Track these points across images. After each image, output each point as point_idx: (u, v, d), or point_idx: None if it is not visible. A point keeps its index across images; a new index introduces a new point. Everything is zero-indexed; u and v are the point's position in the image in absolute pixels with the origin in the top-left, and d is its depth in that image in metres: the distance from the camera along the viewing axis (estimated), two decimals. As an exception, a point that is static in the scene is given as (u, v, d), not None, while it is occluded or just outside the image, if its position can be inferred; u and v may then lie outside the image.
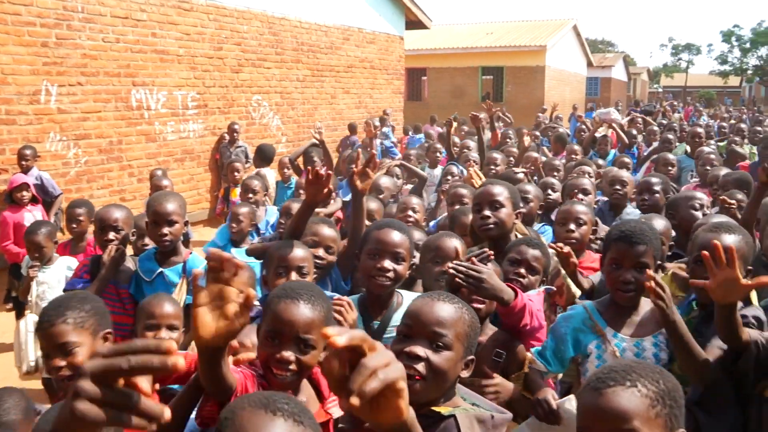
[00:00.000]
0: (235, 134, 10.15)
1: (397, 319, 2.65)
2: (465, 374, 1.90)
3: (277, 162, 8.27)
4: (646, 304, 2.59)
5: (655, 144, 9.33)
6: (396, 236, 2.74)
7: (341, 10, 13.18)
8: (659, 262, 2.78)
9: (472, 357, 1.91)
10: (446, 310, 1.88)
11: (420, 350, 1.79)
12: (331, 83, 13.22)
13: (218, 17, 10.12)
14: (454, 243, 2.93)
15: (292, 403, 1.39)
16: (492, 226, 3.20)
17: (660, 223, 3.47)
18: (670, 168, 6.48)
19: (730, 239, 2.52)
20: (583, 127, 11.56)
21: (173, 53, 9.30)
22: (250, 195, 5.81)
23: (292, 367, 1.98)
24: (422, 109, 21.35)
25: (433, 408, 1.79)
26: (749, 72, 61.30)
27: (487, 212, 3.20)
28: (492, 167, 6.34)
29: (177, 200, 3.59)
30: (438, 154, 7.81)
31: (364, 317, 2.73)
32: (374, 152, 7.64)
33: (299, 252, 2.83)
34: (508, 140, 9.15)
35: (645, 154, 8.91)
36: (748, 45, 61.12)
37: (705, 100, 50.24)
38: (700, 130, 8.37)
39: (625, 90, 47.01)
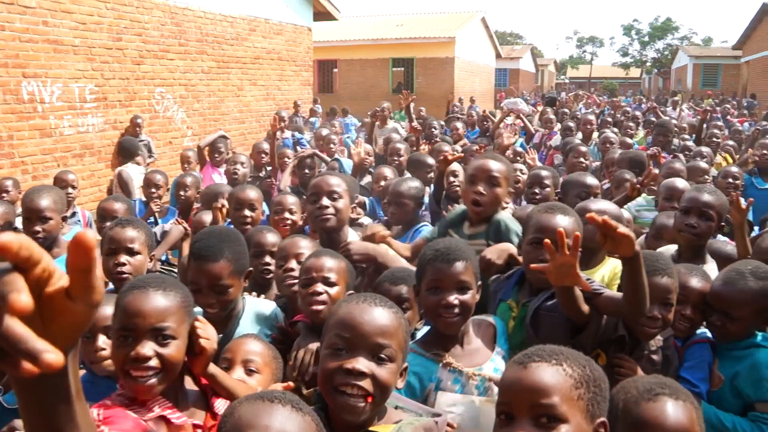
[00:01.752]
0: (137, 128, 9.83)
1: (244, 327, 2.58)
2: (400, 385, 1.76)
3: (179, 156, 8.07)
4: (471, 326, 2.37)
5: (554, 132, 9.61)
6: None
7: (247, 1, 12.95)
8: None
9: (406, 365, 1.78)
10: (387, 317, 1.71)
11: (363, 365, 1.63)
12: (238, 75, 12.98)
13: (116, 6, 9.74)
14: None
15: (289, 394, 1.44)
16: (330, 216, 3.13)
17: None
18: (582, 159, 6.37)
19: (565, 221, 2.56)
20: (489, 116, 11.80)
21: (68, 43, 8.89)
22: (153, 190, 5.65)
23: (153, 363, 1.77)
24: (334, 101, 21.28)
25: (372, 429, 1.68)
26: (648, 64, 64.05)
27: (326, 202, 3.13)
28: (395, 158, 6.37)
29: (51, 195, 3.44)
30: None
31: None
32: (280, 143, 7.59)
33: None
34: (433, 129, 9.25)
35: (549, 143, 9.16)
36: (646, 38, 63.88)
37: (608, 90, 52.12)
38: (591, 117, 8.72)
39: (533, 81, 48.28)
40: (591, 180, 4.33)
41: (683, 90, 38.66)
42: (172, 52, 11.03)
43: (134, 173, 7.60)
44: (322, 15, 16.14)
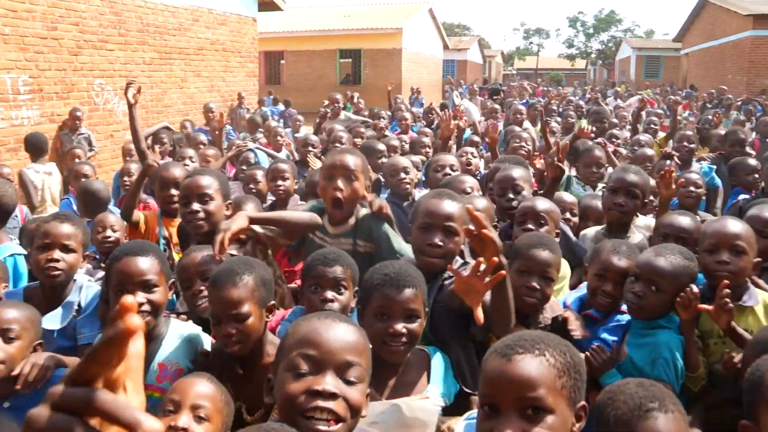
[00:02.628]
0: (77, 121, 9.51)
1: (166, 350, 2.45)
2: (364, 413, 1.60)
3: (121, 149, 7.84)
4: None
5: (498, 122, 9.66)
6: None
7: (189, -10, 12.68)
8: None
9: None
10: (351, 333, 1.59)
11: (333, 386, 1.49)
12: (181, 66, 12.71)
13: (51, -6, 9.42)
14: None
15: None
16: (200, 222, 3.06)
17: (481, 202, 3.52)
18: (524, 144, 6.37)
19: (453, 206, 2.60)
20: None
21: (-2, 32, 8.56)
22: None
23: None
24: (281, 93, 21.04)
25: None
26: (593, 55, 65.24)
27: (196, 206, 3.05)
28: (337, 146, 6.27)
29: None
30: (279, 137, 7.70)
31: None
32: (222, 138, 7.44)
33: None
34: (382, 119, 9.25)
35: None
36: (591, 30, 65.06)
37: (554, 81, 52.88)
38: (521, 107, 8.84)
39: (481, 72, 48.60)
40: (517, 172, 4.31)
41: (626, 81, 39.42)
42: (112, 42, 10.72)
43: (36, 175, 7.05)
44: (267, 5, 15.94)
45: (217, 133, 6.96)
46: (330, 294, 2.49)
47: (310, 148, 6.39)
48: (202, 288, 2.66)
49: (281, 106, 17.54)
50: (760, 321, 2.66)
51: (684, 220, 3.18)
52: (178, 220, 3.79)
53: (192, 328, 2.59)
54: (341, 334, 1.56)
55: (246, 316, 2.23)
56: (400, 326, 2.13)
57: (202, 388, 2.05)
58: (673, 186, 3.74)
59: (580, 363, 1.53)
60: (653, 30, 71.05)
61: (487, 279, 2.04)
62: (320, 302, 2.46)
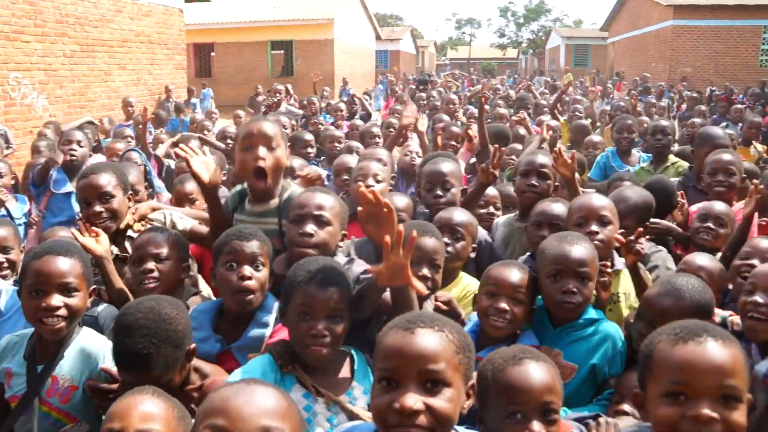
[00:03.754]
0: (-8, 117, 9.11)
1: (66, 363, 2.32)
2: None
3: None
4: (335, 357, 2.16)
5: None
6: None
7: (110, -20, 12.26)
8: None
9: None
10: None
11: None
12: (105, 59, 12.28)
13: (-42, -16, 8.96)
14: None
15: None
16: (105, 220, 3.01)
17: (400, 200, 3.44)
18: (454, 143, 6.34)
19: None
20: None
21: None
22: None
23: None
24: (212, 85, 20.60)
25: None
26: (524, 45, 66.32)
27: (98, 208, 3.01)
28: (230, 141, 6.40)
29: None
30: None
31: (28, 363, 2.35)
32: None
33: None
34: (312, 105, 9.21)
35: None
36: (522, 20, 66.11)
37: (487, 71, 53.53)
38: (453, 97, 8.92)
39: (414, 62, 48.81)
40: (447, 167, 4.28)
41: (557, 69, 40.18)
42: (27, 33, 10.26)
43: None
44: (193, -5, 15.59)
45: (140, 127, 6.76)
46: (248, 270, 2.41)
47: (229, 141, 6.28)
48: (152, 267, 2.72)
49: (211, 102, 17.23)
50: (630, 283, 2.84)
51: (557, 207, 3.19)
52: None
53: (99, 343, 2.40)
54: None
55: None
56: (323, 326, 2.05)
57: (148, 408, 1.70)
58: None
59: (471, 344, 1.60)
60: (581, 20, 72.68)
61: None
62: (238, 279, 2.39)
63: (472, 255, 3.12)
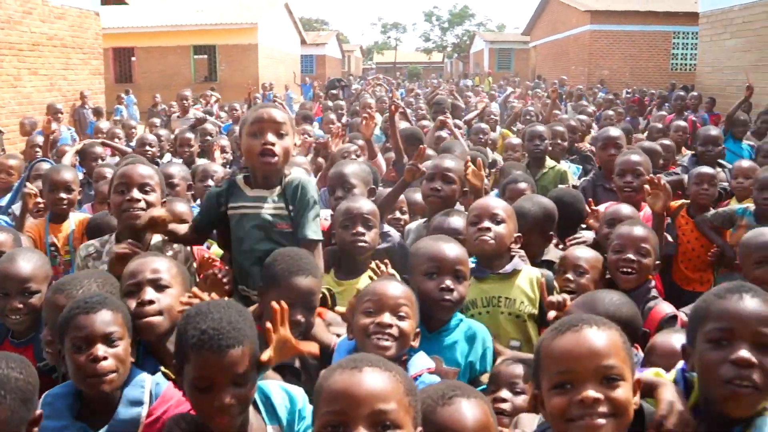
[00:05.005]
0: None
1: None
2: None
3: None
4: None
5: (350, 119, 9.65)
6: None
7: (18, -19, 11.75)
8: None
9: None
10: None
11: None
12: (14, 63, 11.75)
13: None
14: None
15: None
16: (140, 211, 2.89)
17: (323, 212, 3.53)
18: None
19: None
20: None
21: None
22: None
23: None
24: (134, 91, 20.03)
25: None
26: (449, 49, 67.25)
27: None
28: (185, 149, 6.25)
29: None
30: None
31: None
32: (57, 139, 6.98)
33: None
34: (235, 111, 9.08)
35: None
36: (446, 25, 67.03)
37: (412, 75, 54.00)
38: (371, 101, 8.97)
39: (340, 66, 48.80)
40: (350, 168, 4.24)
41: (481, 73, 40.86)
42: (-73, 36, 9.75)
43: None
44: (110, -1, 15.14)
45: (43, 138, 6.53)
46: (101, 350, 1.99)
47: (147, 148, 6.11)
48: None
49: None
50: (523, 290, 2.83)
51: (454, 221, 3.24)
52: (66, 225, 4.00)
53: None
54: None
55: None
56: (228, 398, 1.75)
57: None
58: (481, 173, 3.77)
59: (416, 388, 1.59)
60: (504, 24, 74.06)
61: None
62: (89, 362, 1.98)
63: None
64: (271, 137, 2.75)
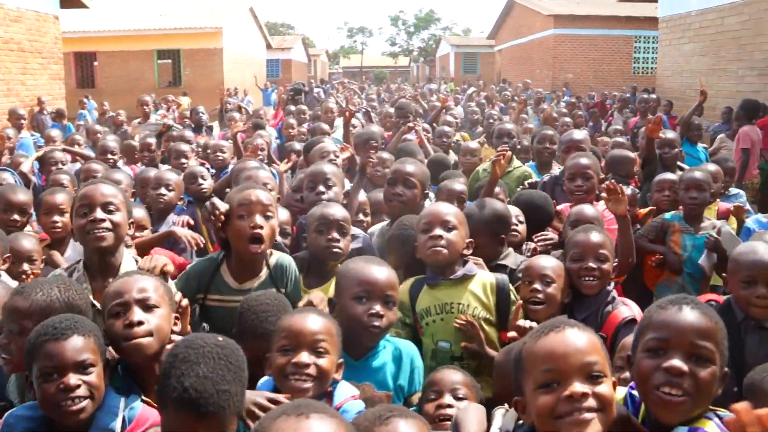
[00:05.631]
0: None
1: None
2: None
3: None
4: None
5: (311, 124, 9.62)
6: None
7: (-26, -17, 11.50)
8: None
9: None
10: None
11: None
12: (-31, 67, 11.52)
13: None
14: None
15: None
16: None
17: (282, 213, 3.59)
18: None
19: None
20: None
21: None
22: None
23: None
24: (96, 97, 19.69)
25: None
26: (415, 53, 67.47)
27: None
28: (145, 153, 6.30)
29: None
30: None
31: None
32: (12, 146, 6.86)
33: None
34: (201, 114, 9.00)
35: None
36: (412, 29, 67.21)
37: (378, 79, 54.07)
38: (333, 106, 8.98)
39: (306, 71, 48.63)
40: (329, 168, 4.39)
41: (446, 77, 41.07)
42: None
43: None
44: (70, 2, 14.87)
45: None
46: (73, 379, 1.92)
47: (109, 156, 6.05)
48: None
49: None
50: (476, 295, 2.85)
51: (409, 220, 3.28)
52: None
53: None
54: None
55: None
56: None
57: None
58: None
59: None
60: (470, 28, 74.36)
61: None
62: (59, 392, 1.90)
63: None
64: (259, 220, 2.75)
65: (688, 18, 14.14)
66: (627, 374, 2.26)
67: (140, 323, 2.15)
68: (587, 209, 3.66)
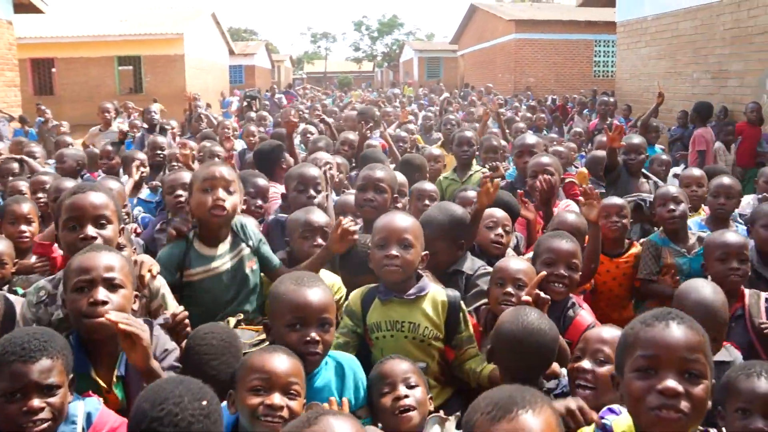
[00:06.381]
0: None
1: None
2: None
3: None
4: None
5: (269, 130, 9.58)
6: None
7: None
8: None
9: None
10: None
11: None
12: None
13: None
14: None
15: None
16: None
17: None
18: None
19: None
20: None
21: None
22: None
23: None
24: (55, 104, 19.33)
25: None
26: (379, 58, 67.65)
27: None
28: (105, 161, 6.25)
29: None
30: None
31: None
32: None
33: None
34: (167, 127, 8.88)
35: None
36: (376, 34, 67.40)
37: (343, 84, 54.06)
38: (292, 111, 8.98)
39: (269, 77, 48.44)
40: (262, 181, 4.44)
41: (410, 81, 41.23)
42: None
43: None
44: (24, 7, 14.62)
45: None
46: (36, 402, 1.90)
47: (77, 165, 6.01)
48: None
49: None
50: (427, 314, 2.75)
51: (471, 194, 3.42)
52: None
53: None
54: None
55: None
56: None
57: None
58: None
59: None
60: (433, 33, 75.01)
61: None
62: (22, 415, 1.88)
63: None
64: (221, 193, 2.98)
65: (644, 23, 14.39)
66: (585, 363, 2.31)
67: (105, 303, 2.18)
68: (570, 217, 3.68)
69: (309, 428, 1.57)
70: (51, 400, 1.91)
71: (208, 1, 31.58)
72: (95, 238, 2.50)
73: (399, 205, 4.08)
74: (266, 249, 3.24)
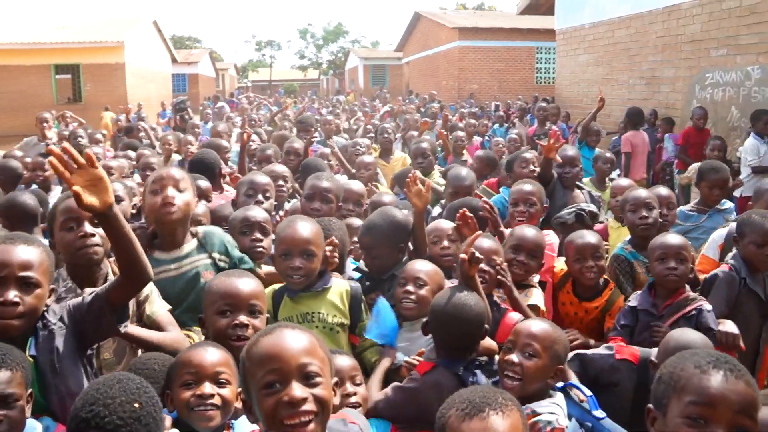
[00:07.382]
0: None
1: None
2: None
3: None
4: None
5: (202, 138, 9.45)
6: None
7: None
8: None
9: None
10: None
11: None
12: None
13: None
14: None
15: None
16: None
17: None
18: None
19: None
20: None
21: None
22: None
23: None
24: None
25: None
26: (324, 66, 67.61)
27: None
28: (39, 173, 5.87)
29: None
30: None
31: None
32: None
33: None
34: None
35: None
36: (321, 42, 67.34)
37: (288, 92, 53.87)
38: (237, 119, 8.94)
39: (214, 85, 48.00)
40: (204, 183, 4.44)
41: (356, 89, 41.35)
42: None
43: None
44: (-44, 15, 14.17)
45: None
46: None
47: (38, 172, 5.86)
48: None
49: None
50: (334, 303, 2.97)
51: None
52: None
53: None
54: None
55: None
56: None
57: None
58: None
59: None
60: (378, 41, 75.39)
61: None
62: None
63: None
64: (170, 191, 2.97)
65: (582, 30, 14.77)
66: (514, 357, 2.42)
67: (14, 304, 2.09)
68: (528, 231, 3.54)
69: (264, 336, 1.68)
70: (8, 412, 1.88)
71: (150, 9, 31.15)
72: (93, 235, 2.57)
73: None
74: (236, 252, 3.16)
